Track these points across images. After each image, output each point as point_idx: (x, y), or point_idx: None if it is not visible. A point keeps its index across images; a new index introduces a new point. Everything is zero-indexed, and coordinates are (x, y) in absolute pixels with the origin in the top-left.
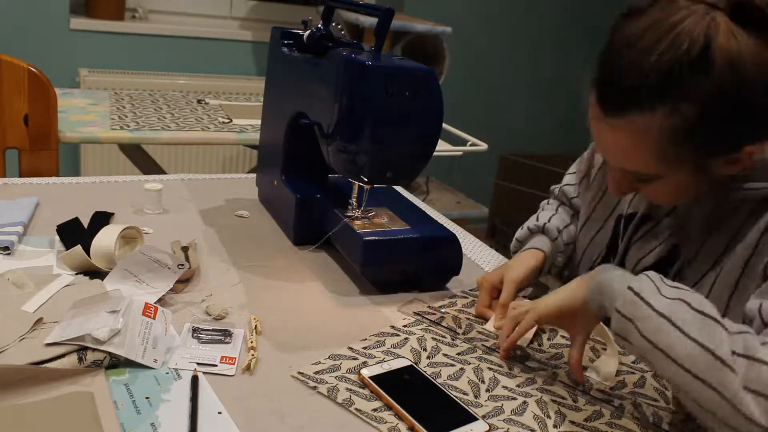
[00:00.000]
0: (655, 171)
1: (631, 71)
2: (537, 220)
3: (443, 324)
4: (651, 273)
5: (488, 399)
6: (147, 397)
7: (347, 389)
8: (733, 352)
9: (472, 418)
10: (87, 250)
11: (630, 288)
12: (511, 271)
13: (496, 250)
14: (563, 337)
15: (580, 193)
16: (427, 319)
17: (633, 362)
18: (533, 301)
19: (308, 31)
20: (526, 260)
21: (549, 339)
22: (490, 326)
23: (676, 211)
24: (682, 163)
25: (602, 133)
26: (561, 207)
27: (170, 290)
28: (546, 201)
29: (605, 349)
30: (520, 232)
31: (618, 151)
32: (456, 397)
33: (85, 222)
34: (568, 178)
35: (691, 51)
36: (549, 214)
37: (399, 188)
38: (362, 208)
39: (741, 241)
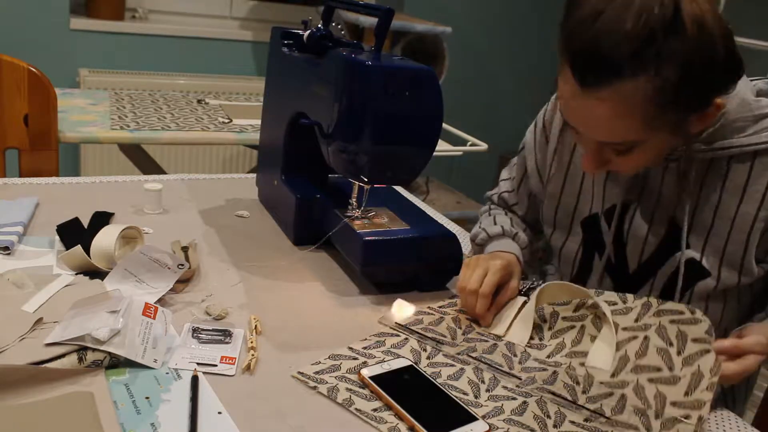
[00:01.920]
0: (639, 137)
1: (608, 40)
2: (494, 224)
3: (428, 335)
4: None
5: (488, 399)
6: (147, 397)
7: (347, 389)
8: None
9: (472, 418)
10: (87, 250)
11: None
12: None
13: None
14: (564, 318)
15: (519, 201)
16: (409, 329)
17: (634, 321)
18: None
19: (308, 31)
20: (502, 255)
21: (550, 328)
22: (491, 329)
23: (651, 187)
24: (664, 125)
25: (583, 108)
26: (508, 212)
27: (170, 290)
28: (487, 207)
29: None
30: (479, 237)
31: (601, 123)
32: (456, 397)
33: (85, 222)
34: (504, 185)
35: (663, 15)
36: (506, 219)
37: (399, 188)
38: (362, 208)
39: (739, 196)
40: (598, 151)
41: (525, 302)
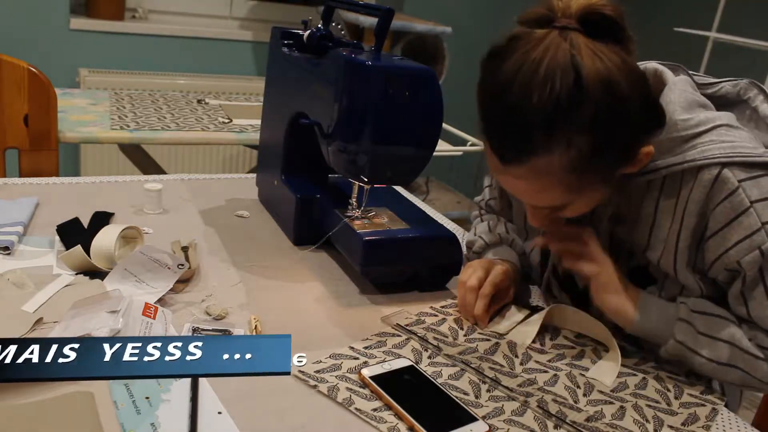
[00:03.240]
0: (566, 201)
1: (516, 119)
2: (490, 231)
3: (430, 338)
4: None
5: (489, 399)
6: (147, 397)
7: (347, 389)
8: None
9: (472, 419)
10: (87, 250)
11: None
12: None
13: None
14: (565, 337)
15: (504, 208)
16: (408, 330)
17: (635, 364)
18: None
19: (308, 31)
20: (503, 262)
21: (551, 339)
22: (492, 328)
23: (595, 215)
24: (588, 185)
25: (506, 181)
26: (499, 218)
27: (170, 290)
28: (478, 212)
29: (607, 351)
30: (477, 244)
31: (526, 193)
32: (456, 397)
33: (85, 222)
34: (487, 192)
35: (565, 85)
36: (501, 225)
37: (399, 188)
38: (362, 208)
39: (671, 215)
40: (536, 210)
41: (529, 314)
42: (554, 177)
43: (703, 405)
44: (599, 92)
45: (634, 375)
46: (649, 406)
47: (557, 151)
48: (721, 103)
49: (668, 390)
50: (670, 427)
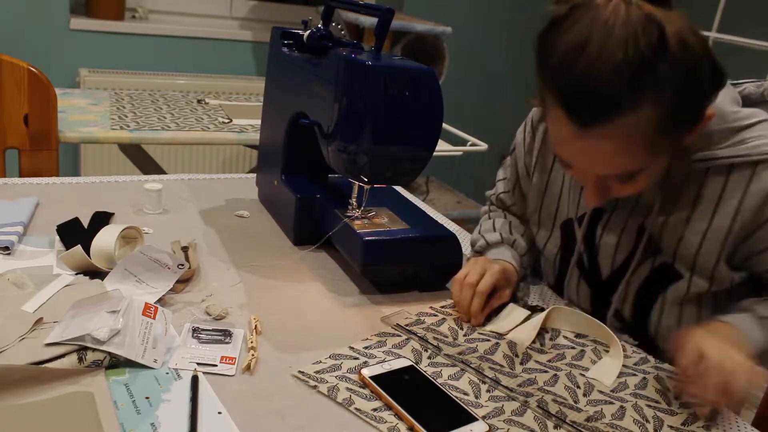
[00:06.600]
0: (642, 165)
1: (600, 74)
2: (493, 230)
3: (430, 339)
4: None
5: (489, 399)
6: (147, 397)
7: (347, 389)
8: None
9: (472, 419)
10: (87, 250)
11: None
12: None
13: None
14: (565, 337)
15: (516, 202)
16: (408, 330)
17: (635, 364)
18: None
19: (308, 31)
20: (501, 263)
21: (551, 339)
22: (492, 327)
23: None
24: (664, 148)
25: (585, 148)
26: (507, 214)
27: (170, 290)
28: (487, 207)
29: (608, 351)
30: (478, 243)
31: (606, 159)
32: (456, 397)
33: (85, 222)
34: (500, 186)
35: (650, 40)
36: (505, 223)
37: (399, 188)
38: (362, 208)
39: (712, 208)
40: (600, 184)
41: (530, 316)
42: (639, 135)
43: (702, 405)
44: (679, 50)
45: (634, 375)
46: (649, 406)
47: (645, 107)
48: (745, 103)
49: (668, 390)
50: (670, 427)
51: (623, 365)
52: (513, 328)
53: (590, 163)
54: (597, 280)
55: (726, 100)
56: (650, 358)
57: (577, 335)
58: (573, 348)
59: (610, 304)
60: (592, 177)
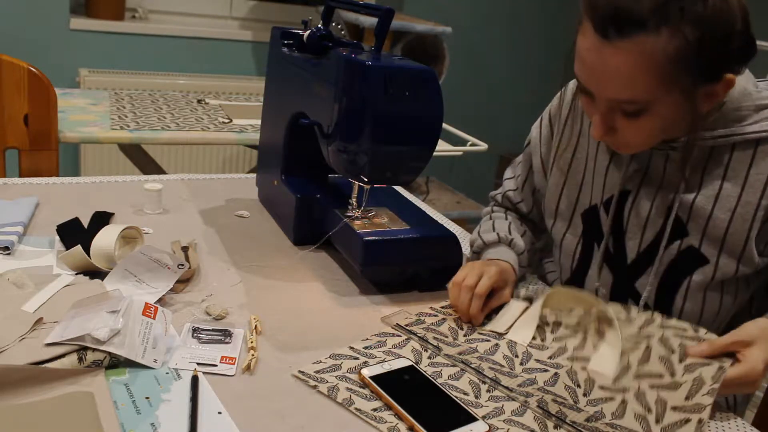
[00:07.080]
0: (651, 96)
1: None
2: (492, 230)
3: (430, 339)
4: None
5: (489, 399)
6: (147, 397)
7: (347, 389)
8: None
9: (472, 419)
10: (87, 250)
11: None
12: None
13: None
14: (566, 328)
15: (524, 199)
16: (408, 330)
17: (639, 328)
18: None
19: (308, 31)
20: (498, 263)
21: (552, 332)
22: (492, 327)
23: (653, 172)
24: (676, 87)
25: (601, 60)
26: (509, 214)
27: (170, 290)
28: (489, 208)
29: (611, 326)
30: (476, 244)
31: (617, 75)
32: (456, 397)
33: (85, 222)
34: (508, 184)
35: None
36: (505, 223)
37: (399, 188)
38: (362, 208)
39: (740, 185)
40: (607, 114)
41: (527, 308)
42: (653, 61)
43: (708, 365)
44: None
45: (637, 346)
46: (652, 387)
47: (665, 33)
48: None
49: (673, 351)
50: (674, 408)
51: (625, 337)
52: (513, 323)
53: (601, 78)
54: (621, 265)
55: (749, 81)
56: (656, 316)
57: (578, 322)
58: (575, 335)
59: (633, 290)
60: (602, 106)
